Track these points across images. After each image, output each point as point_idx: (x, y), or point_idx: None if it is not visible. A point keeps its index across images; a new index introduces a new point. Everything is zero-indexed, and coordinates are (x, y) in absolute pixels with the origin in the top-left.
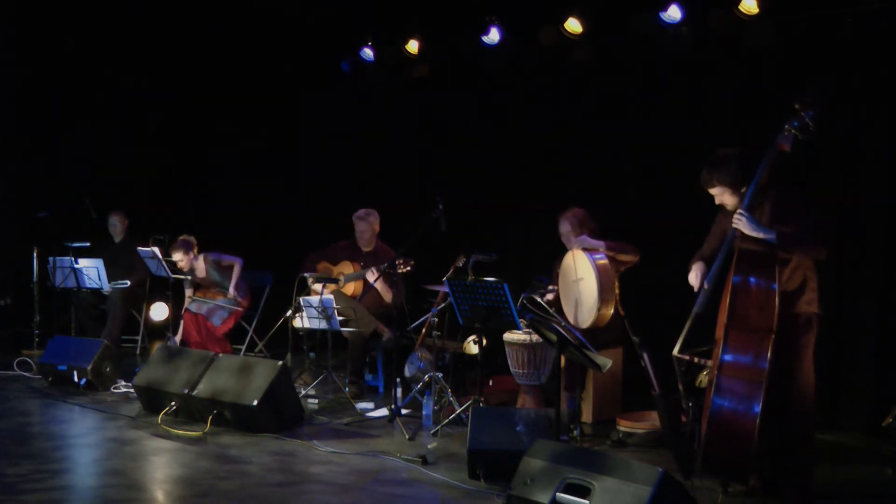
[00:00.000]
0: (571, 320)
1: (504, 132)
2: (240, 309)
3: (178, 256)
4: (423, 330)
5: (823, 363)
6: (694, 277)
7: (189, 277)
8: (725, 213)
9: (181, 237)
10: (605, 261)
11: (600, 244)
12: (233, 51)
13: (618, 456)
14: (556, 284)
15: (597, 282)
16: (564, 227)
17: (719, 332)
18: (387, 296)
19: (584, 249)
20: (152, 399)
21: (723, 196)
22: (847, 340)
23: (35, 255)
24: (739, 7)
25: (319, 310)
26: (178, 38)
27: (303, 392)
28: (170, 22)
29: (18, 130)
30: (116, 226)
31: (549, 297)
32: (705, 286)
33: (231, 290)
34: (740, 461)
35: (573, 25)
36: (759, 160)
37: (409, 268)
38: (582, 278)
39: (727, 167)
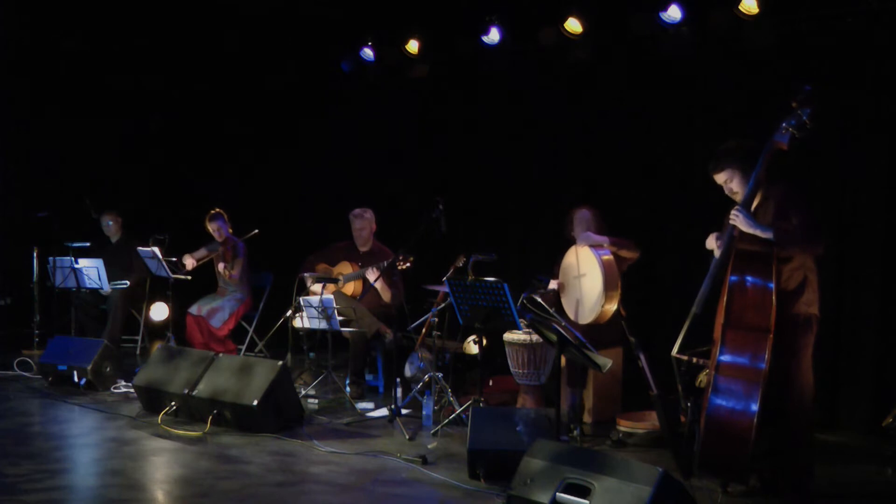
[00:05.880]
0: (572, 316)
1: (504, 132)
2: (240, 308)
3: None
4: (423, 330)
5: (823, 363)
6: (712, 241)
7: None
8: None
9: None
10: (610, 257)
11: (604, 239)
12: (233, 51)
13: (618, 456)
14: (557, 283)
15: (602, 277)
16: (582, 218)
17: (718, 333)
18: (385, 295)
19: (589, 245)
20: (152, 399)
21: (732, 182)
22: (847, 340)
23: (35, 255)
24: (739, 7)
25: (319, 310)
26: (178, 38)
27: (303, 392)
28: (170, 22)
29: (18, 130)
30: (111, 225)
31: (553, 286)
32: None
33: (235, 271)
34: (737, 462)
35: (573, 25)
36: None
37: (408, 264)
38: (585, 274)
39: (735, 152)
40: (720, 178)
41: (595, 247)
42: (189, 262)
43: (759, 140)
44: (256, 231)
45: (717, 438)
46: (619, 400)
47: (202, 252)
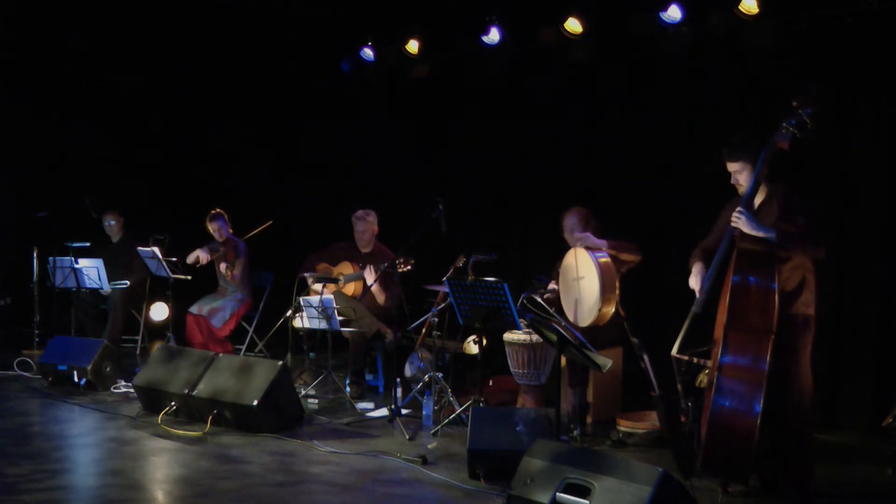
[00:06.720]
0: (571, 318)
1: (504, 132)
2: (241, 308)
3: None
4: (423, 330)
5: (823, 363)
6: (695, 282)
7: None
8: (731, 206)
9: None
10: (607, 259)
11: (602, 243)
12: (233, 51)
13: (618, 456)
14: (557, 283)
15: (599, 280)
16: (567, 225)
17: (718, 333)
18: (380, 298)
19: (587, 248)
20: (152, 399)
21: (742, 174)
22: (847, 340)
23: (35, 255)
24: (739, 7)
25: (319, 310)
26: (178, 38)
27: (303, 392)
28: (170, 22)
29: (18, 129)
30: (112, 225)
31: (549, 295)
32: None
33: (237, 270)
34: (741, 462)
35: (573, 25)
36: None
37: (409, 267)
38: (583, 277)
39: (749, 145)
40: (733, 166)
41: (592, 249)
42: (203, 257)
43: (759, 140)
44: (270, 222)
45: (721, 438)
46: (619, 400)
47: (207, 251)
